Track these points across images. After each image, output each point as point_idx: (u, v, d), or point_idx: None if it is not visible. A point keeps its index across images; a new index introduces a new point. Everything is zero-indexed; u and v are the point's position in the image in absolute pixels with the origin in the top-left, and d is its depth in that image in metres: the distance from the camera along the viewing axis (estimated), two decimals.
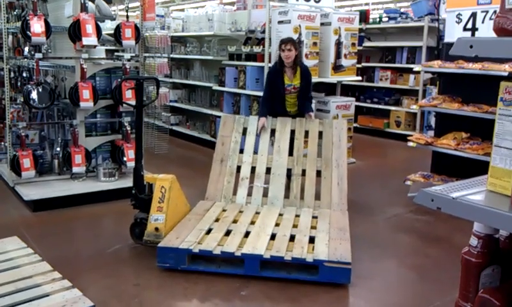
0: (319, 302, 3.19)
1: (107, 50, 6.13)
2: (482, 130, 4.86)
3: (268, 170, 4.82)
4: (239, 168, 4.86)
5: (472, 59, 4.72)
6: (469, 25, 5.07)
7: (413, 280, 3.67)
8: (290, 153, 4.91)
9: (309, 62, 6.35)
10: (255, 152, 4.95)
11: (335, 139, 4.90)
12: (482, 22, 4.94)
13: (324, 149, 4.88)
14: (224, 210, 4.37)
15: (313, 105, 5.98)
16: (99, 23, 5.19)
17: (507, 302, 1.46)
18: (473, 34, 5.03)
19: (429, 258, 4.00)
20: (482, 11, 4.94)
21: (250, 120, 5.20)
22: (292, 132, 5.03)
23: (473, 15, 5.02)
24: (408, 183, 5.36)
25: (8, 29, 5.37)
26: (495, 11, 4.80)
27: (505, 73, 4.23)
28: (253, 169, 4.85)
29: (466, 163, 4.76)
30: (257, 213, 4.32)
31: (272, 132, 5.08)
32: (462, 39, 1.25)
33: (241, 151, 4.98)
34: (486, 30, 4.87)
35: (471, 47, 1.22)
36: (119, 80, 5.29)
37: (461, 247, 1.66)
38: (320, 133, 5.01)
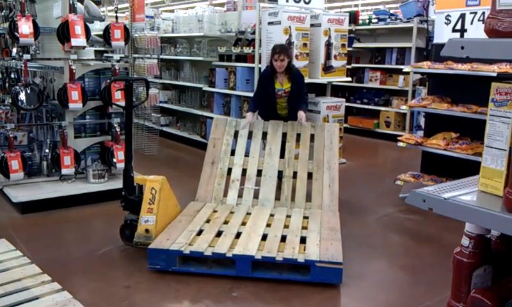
0: (310, 303, 3.19)
1: (96, 51, 6.09)
2: (472, 130, 4.90)
3: (259, 172, 4.82)
4: (230, 170, 4.85)
5: (461, 60, 4.75)
6: (458, 27, 5.11)
7: (404, 280, 3.68)
8: (282, 156, 4.91)
9: (299, 64, 6.36)
10: (246, 154, 4.95)
11: (326, 142, 4.91)
12: (471, 23, 4.98)
13: (315, 151, 4.89)
14: (215, 211, 4.36)
15: None
16: (88, 24, 5.15)
17: (499, 302, 1.47)
18: (462, 35, 5.07)
19: (420, 257, 4.02)
20: (471, 13, 4.98)
21: (242, 123, 5.20)
22: (284, 135, 5.03)
23: (462, 16, 5.06)
24: (398, 183, 5.38)
25: None
26: (483, 13, 4.83)
27: (494, 74, 4.27)
28: (244, 171, 4.84)
29: (456, 163, 4.80)
30: (248, 214, 4.31)
31: (264, 135, 5.08)
32: (453, 40, 1.25)
33: (232, 153, 4.98)
34: (474, 31, 4.91)
35: (462, 48, 1.23)
36: (108, 81, 5.25)
37: (452, 246, 1.66)
38: (312, 136, 5.01)
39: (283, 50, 5.05)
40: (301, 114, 4.99)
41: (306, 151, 4.90)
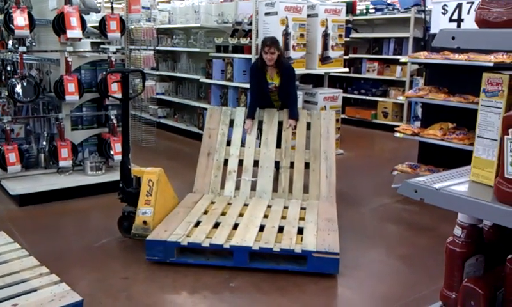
0: (307, 292, 3.22)
1: (92, 43, 6.07)
2: (468, 121, 4.90)
3: (256, 163, 4.82)
4: (226, 161, 4.85)
5: (457, 50, 4.74)
6: (455, 16, 5.09)
7: (401, 269, 3.71)
8: (278, 145, 4.91)
9: (296, 54, 6.36)
10: (243, 144, 4.94)
11: (323, 131, 4.90)
12: (468, 13, 4.96)
13: (312, 141, 4.89)
14: (212, 203, 4.37)
15: (300, 98, 5.98)
16: (84, 15, 5.13)
17: (491, 290, 1.48)
18: (459, 25, 5.06)
19: (416, 247, 4.04)
20: (467, 2, 4.96)
21: (237, 112, 5.18)
22: (280, 124, 5.02)
23: (459, 6, 5.03)
24: (395, 173, 5.39)
25: None
26: None
27: (491, 64, 4.26)
28: (241, 162, 4.84)
29: (453, 153, 4.80)
30: (246, 205, 4.33)
31: (260, 123, 5.07)
32: (444, 30, 1.26)
33: (228, 143, 4.97)
34: (471, 21, 4.88)
35: (453, 38, 1.23)
36: (104, 73, 5.24)
37: (448, 236, 1.67)
38: (309, 125, 5.01)
39: (273, 42, 4.96)
40: (292, 124, 4.99)
41: (303, 141, 4.90)
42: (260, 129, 5.07)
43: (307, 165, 4.77)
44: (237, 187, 4.68)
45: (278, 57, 4.97)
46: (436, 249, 3.85)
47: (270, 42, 4.95)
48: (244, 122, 5.04)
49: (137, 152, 6.16)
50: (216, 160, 4.83)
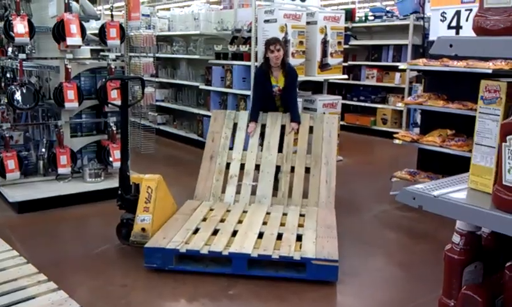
0: (306, 300, 3.21)
1: (92, 50, 6.08)
2: (467, 127, 4.89)
3: (257, 166, 4.82)
4: (228, 165, 4.86)
5: (456, 57, 4.76)
6: (453, 24, 5.11)
7: (400, 277, 3.70)
8: (280, 148, 4.91)
9: (295, 61, 6.36)
10: (245, 149, 4.95)
11: (325, 135, 4.90)
12: (466, 20, 4.98)
13: (314, 145, 4.89)
14: (211, 209, 4.36)
15: (299, 105, 5.97)
16: (83, 23, 5.15)
17: (490, 298, 1.48)
18: (457, 33, 5.07)
19: (416, 254, 4.03)
20: (466, 10, 4.97)
21: (240, 115, 5.19)
22: (282, 127, 5.03)
23: (458, 13, 5.05)
24: (394, 180, 5.39)
25: None
26: None
27: (490, 71, 4.27)
28: (242, 166, 4.84)
29: (452, 160, 4.80)
30: (245, 212, 4.32)
31: (263, 127, 5.07)
32: (442, 38, 1.26)
33: (231, 147, 4.98)
34: (470, 28, 4.90)
35: (451, 46, 1.23)
36: (104, 80, 5.25)
37: (447, 243, 1.67)
38: (311, 129, 5.01)
39: (277, 40, 5.09)
40: (295, 127, 5.01)
41: (305, 146, 4.90)
42: (262, 133, 5.07)
43: (308, 170, 4.77)
44: (238, 191, 4.68)
45: (283, 56, 5.01)
46: (436, 256, 3.82)
47: (275, 40, 5.06)
48: (247, 125, 5.05)
49: (136, 159, 6.15)
50: (218, 164, 4.84)
